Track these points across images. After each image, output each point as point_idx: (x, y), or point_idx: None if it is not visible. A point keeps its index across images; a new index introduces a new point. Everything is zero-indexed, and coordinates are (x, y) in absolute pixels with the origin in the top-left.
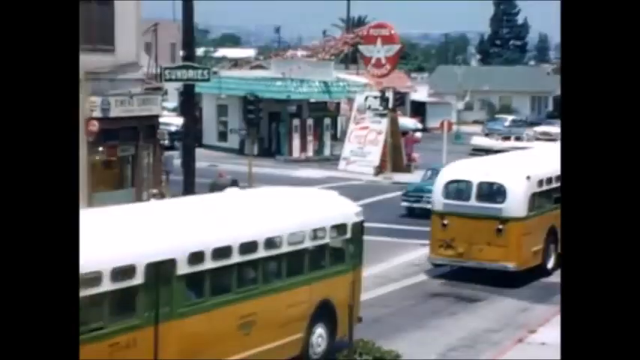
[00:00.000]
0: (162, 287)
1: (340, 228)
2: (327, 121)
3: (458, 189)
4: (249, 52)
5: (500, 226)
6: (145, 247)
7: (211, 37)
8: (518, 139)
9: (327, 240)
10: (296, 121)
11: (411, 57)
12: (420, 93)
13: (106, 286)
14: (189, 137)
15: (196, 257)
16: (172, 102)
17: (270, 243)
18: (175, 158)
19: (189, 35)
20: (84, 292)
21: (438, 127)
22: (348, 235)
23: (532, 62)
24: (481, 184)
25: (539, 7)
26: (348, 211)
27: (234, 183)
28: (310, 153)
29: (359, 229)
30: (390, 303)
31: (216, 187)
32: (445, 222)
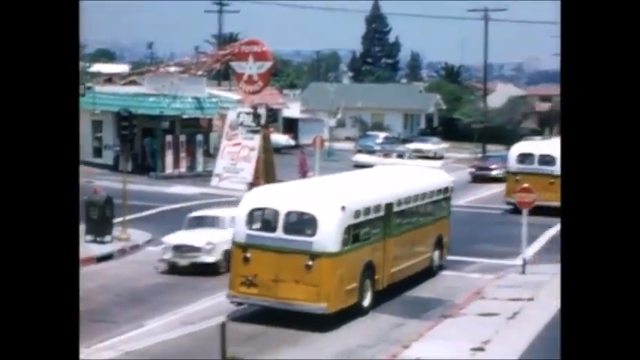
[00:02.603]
0: (388, 218)
1: (445, 189)
2: (200, 137)
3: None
4: (123, 68)
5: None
6: (383, 194)
7: (87, 51)
8: (400, 156)
9: (441, 196)
10: (169, 137)
11: (283, 74)
12: (293, 110)
13: (372, 215)
14: None
15: (399, 202)
16: None
17: (422, 196)
18: None
19: None
20: (366, 218)
21: (311, 143)
22: (448, 194)
23: (404, 80)
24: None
25: (411, 26)
26: (448, 179)
27: (108, 200)
28: (183, 169)
29: (451, 190)
30: (264, 318)
31: (91, 204)
32: None
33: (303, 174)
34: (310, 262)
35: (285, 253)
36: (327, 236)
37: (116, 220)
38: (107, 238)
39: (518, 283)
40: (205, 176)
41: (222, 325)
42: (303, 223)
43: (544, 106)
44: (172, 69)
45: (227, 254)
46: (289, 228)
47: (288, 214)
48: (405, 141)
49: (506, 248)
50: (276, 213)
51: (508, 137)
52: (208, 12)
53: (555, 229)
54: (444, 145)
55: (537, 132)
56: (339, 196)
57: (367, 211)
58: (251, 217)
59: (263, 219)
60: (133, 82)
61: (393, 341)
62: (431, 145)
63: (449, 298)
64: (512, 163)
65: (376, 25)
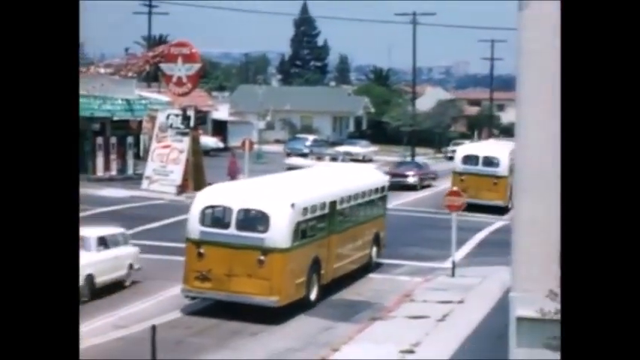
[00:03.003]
0: (332, 216)
1: (381, 189)
2: (130, 139)
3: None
4: None
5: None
6: (327, 193)
7: None
8: (334, 159)
9: (378, 195)
10: (99, 139)
11: (212, 76)
12: (222, 112)
13: (318, 212)
14: None
15: (342, 200)
16: None
17: (362, 194)
18: None
19: None
20: (312, 215)
21: (240, 146)
22: (385, 193)
23: (333, 83)
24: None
25: (339, 29)
26: (384, 179)
27: None
28: (114, 172)
29: (387, 189)
30: (191, 324)
31: None
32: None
33: (233, 176)
34: (262, 257)
35: (238, 249)
36: (279, 232)
37: None
38: None
39: (448, 285)
40: (136, 179)
41: (153, 328)
42: (255, 220)
43: (473, 110)
44: (102, 70)
45: (90, 280)
46: (242, 225)
47: (241, 211)
48: (334, 144)
49: (436, 251)
50: (229, 210)
51: (437, 141)
52: (137, 13)
53: (484, 233)
54: (373, 148)
55: (466, 135)
56: (288, 193)
57: (314, 208)
58: (204, 215)
59: (216, 216)
60: None
61: (322, 344)
62: (360, 148)
63: (378, 301)
64: (458, 164)
65: (305, 27)
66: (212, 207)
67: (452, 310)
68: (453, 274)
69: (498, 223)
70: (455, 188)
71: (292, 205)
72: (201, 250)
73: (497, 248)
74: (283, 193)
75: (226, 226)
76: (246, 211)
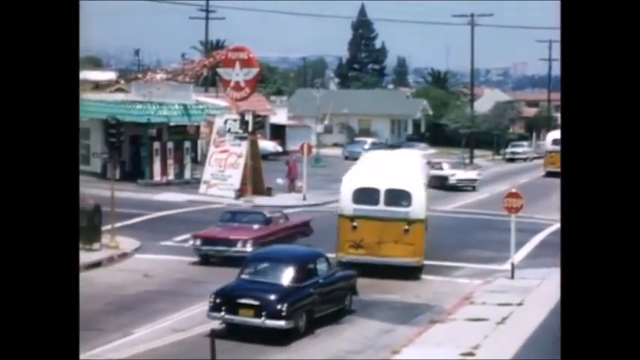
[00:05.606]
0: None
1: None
2: (188, 144)
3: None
4: (110, 75)
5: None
6: (428, 172)
7: None
8: None
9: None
10: (157, 145)
11: (270, 80)
12: (280, 116)
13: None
14: None
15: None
16: None
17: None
18: None
19: None
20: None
21: (298, 150)
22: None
23: (391, 86)
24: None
25: (397, 32)
26: (423, 157)
27: (97, 208)
28: (171, 176)
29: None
30: None
31: (80, 212)
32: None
33: (292, 180)
34: (407, 227)
35: (387, 221)
36: (419, 206)
37: (104, 228)
38: (96, 245)
39: (507, 288)
40: (193, 183)
41: (212, 333)
42: (399, 197)
43: (531, 111)
44: (159, 76)
45: None
46: (388, 201)
47: (387, 191)
48: (393, 147)
49: (495, 253)
50: (376, 191)
51: (495, 142)
52: (194, 19)
53: (543, 234)
54: (432, 150)
55: (524, 137)
56: (419, 175)
57: (428, 185)
58: (356, 195)
59: (366, 195)
60: (120, 90)
61: (381, 347)
62: (418, 151)
63: (437, 304)
64: (548, 145)
65: (362, 30)
66: (362, 189)
67: (511, 312)
68: (512, 276)
69: (557, 224)
70: (514, 190)
71: (425, 185)
72: (355, 224)
73: (557, 250)
74: (417, 175)
75: (375, 202)
76: (392, 191)
